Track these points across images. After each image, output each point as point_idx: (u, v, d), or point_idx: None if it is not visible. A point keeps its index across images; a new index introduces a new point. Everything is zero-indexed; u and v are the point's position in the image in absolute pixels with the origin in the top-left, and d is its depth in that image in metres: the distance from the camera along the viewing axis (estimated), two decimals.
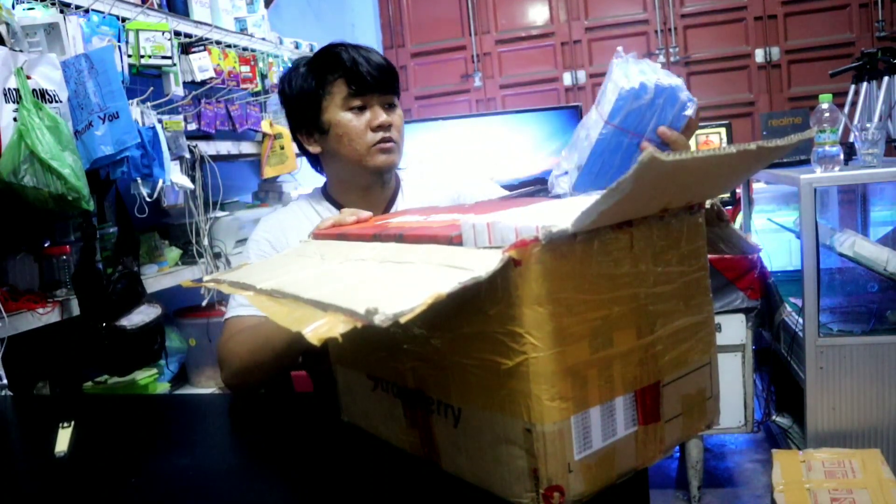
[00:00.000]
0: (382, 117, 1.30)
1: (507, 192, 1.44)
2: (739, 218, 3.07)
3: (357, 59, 1.28)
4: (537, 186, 1.18)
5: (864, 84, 2.79)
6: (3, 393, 1.48)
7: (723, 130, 2.88)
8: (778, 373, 2.65)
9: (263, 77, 2.64)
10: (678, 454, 2.63)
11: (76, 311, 1.68)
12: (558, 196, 1.07)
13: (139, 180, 1.83)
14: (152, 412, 1.25)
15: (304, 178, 2.92)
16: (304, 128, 1.36)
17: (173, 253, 2.19)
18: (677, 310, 0.71)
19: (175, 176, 1.99)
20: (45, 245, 1.74)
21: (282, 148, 2.76)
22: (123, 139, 1.70)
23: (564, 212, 0.64)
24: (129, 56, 1.92)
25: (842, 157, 2.17)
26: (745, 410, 2.40)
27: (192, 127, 2.26)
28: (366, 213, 1.03)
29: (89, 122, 1.67)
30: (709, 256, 0.77)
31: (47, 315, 1.61)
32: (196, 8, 2.28)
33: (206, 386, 2.23)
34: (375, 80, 1.29)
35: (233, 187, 2.66)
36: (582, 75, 4.16)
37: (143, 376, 1.89)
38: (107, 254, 1.85)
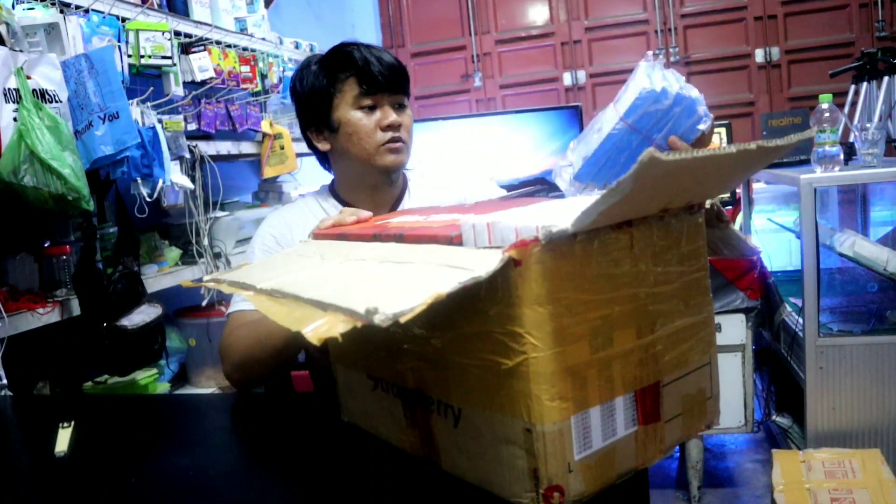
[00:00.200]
0: (392, 117, 1.31)
1: (506, 193, 1.44)
2: (739, 218, 3.07)
3: (369, 59, 1.29)
4: (537, 186, 1.19)
5: (864, 84, 2.79)
6: (3, 393, 1.48)
7: (723, 130, 2.89)
8: (778, 373, 2.65)
9: (263, 77, 2.64)
10: (678, 454, 2.63)
11: (76, 311, 1.68)
12: (558, 193, 1.07)
13: (139, 180, 1.83)
14: (152, 412, 1.25)
15: (304, 178, 2.92)
16: (314, 125, 1.37)
17: (173, 253, 2.19)
18: (677, 310, 0.71)
19: (175, 176, 1.99)
20: (45, 245, 1.74)
21: (282, 148, 2.76)
22: (123, 139, 1.70)
23: (564, 212, 0.64)
24: (129, 56, 1.92)
25: (842, 157, 2.17)
26: (745, 410, 2.40)
27: (192, 127, 2.26)
28: (366, 213, 1.04)
29: (89, 122, 1.67)
30: (709, 256, 0.77)
31: (47, 315, 1.61)
32: (196, 8, 2.28)
33: (206, 386, 2.23)
34: (386, 80, 1.30)
35: (233, 187, 2.66)
36: (582, 75, 4.16)
37: (143, 376, 1.89)
38: (107, 254, 1.85)
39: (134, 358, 1.77)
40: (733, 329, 2.37)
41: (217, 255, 2.28)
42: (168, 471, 0.90)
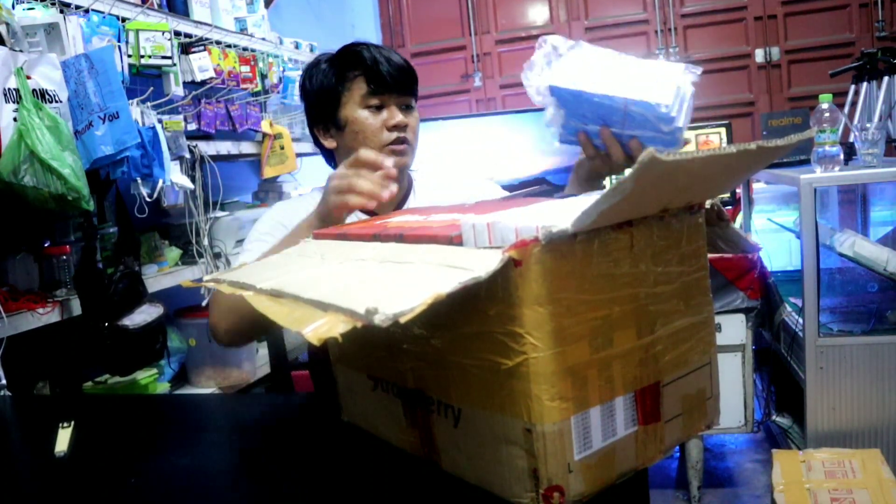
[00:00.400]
0: (398, 118, 1.31)
1: (507, 194, 1.45)
2: (739, 218, 3.07)
3: (378, 59, 1.30)
4: (542, 186, 1.18)
5: (864, 84, 2.78)
6: (3, 393, 1.48)
7: (723, 130, 2.88)
8: (778, 373, 2.64)
9: (263, 77, 2.64)
10: (678, 454, 2.63)
11: (76, 311, 1.68)
12: (562, 195, 1.06)
13: (139, 180, 1.83)
14: (152, 412, 1.25)
15: (304, 178, 2.92)
16: (322, 123, 1.38)
17: (173, 253, 2.19)
18: (677, 310, 0.71)
19: (175, 176, 1.99)
20: (45, 245, 1.74)
21: (282, 148, 2.76)
22: (123, 139, 1.70)
23: (564, 212, 0.64)
24: (129, 56, 1.92)
25: (842, 157, 2.17)
26: (745, 410, 2.40)
27: (192, 127, 2.26)
28: (384, 158, 1.07)
29: (89, 122, 1.67)
30: (709, 256, 0.77)
31: (47, 315, 1.61)
32: (196, 8, 2.28)
33: (206, 386, 2.23)
34: (394, 80, 1.31)
35: (233, 187, 2.66)
36: None
37: (143, 376, 1.89)
38: (107, 254, 1.85)
39: (135, 357, 1.77)
40: (733, 329, 2.37)
41: (217, 255, 2.28)
42: (168, 471, 0.90)
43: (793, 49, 3.91)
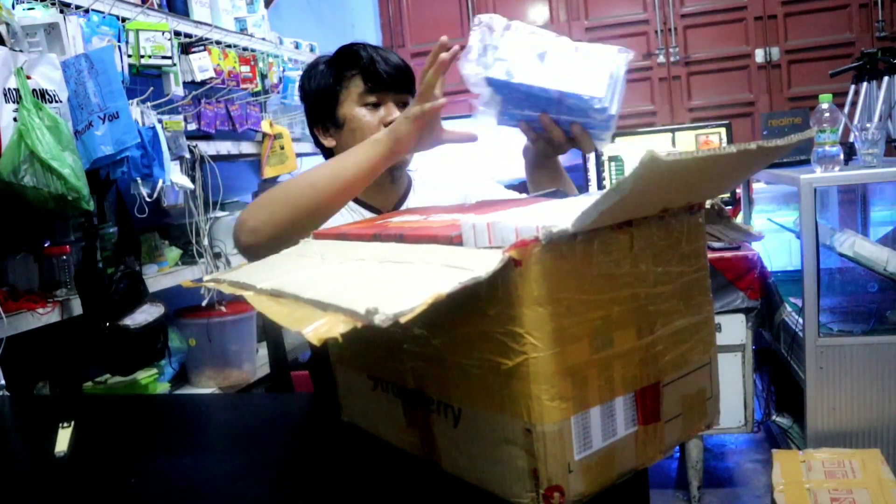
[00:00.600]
0: (395, 114, 1.32)
1: (510, 192, 1.45)
2: (739, 218, 3.07)
3: (375, 58, 1.32)
4: (557, 189, 1.18)
5: (864, 84, 2.78)
6: (2, 393, 1.48)
7: (723, 130, 2.88)
8: (778, 373, 2.64)
9: (263, 77, 2.64)
10: (678, 454, 2.63)
11: (76, 311, 1.68)
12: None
13: (139, 180, 1.83)
14: (152, 412, 1.25)
15: None
16: (321, 122, 1.40)
17: (173, 253, 2.19)
18: (677, 310, 0.71)
19: (175, 176, 1.99)
20: (45, 245, 1.74)
21: (282, 148, 2.76)
22: (123, 139, 1.70)
23: (564, 212, 0.64)
24: (129, 56, 1.92)
25: (842, 157, 2.17)
26: (745, 410, 2.40)
27: (192, 127, 2.26)
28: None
29: (89, 122, 1.67)
30: (709, 256, 0.77)
31: (47, 315, 1.61)
32: (196, 8, 2.28)
33: (206, 386, 2.23)
34: (391, 78, 1.33)
35: (233, 187, 2.66)
36: None
37: (143, 376, 1.89)
38: (107, 254, 1.85)
39: (137, 357, 1.77)
40: (733, 329, 2.37)
41: (217, 255, 2.28)
42: (168, 471, 0.90)
43: (793, 49, 3.91)
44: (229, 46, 2.43)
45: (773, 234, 2.94)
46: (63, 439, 0.98)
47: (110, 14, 1.87)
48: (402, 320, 0.53)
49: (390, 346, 0.77)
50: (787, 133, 2.28)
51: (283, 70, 2.80)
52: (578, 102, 0.98)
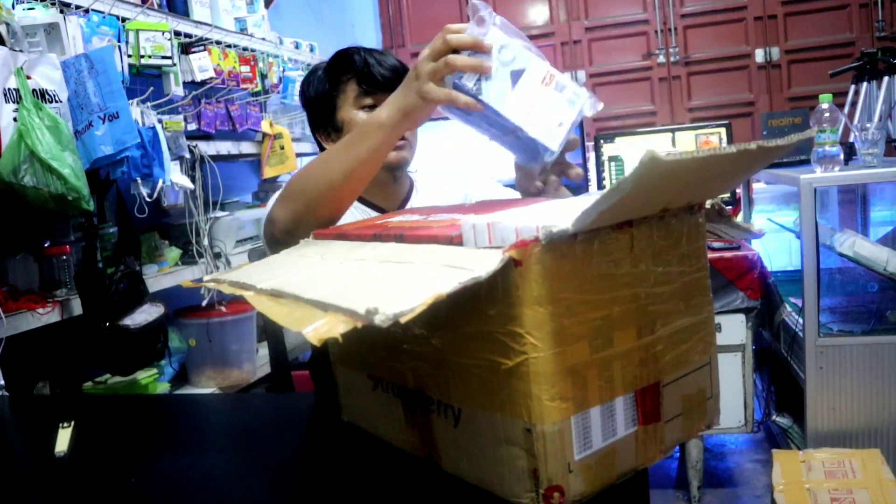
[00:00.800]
0: None
1: (511, 192, 1.45)
2: (739, 218, 3.07)
3: (368, 60, 1.33)
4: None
5: (864, 84, 2.78)
6: (2, 393, 1.48)
7: (723, 130, 2.88)
8: (778, 373, 2.64)
9: (263, 77, 2.64)
10: (678, 454, 2.63)
11: (76, 311, 1.68)
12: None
13: (139, 180, 1.83)
14: (152, 412, 1.25)
15: None
16: (322, 127, 1.41)
17: (173, 253, 2.19)
18: (677, 310, 0.71)
19: (175, 176, 1.99)
20: (45, 245, 1.74)
21: (282, 148, 2.76)
22: (123, 139, 1.70)
23: (564, 212, 0.64)
24: (129, 56, 1.92)
25: (842, 157, 2.17)
26: (745, 410, 2.40)
27: (192, 127, 2.26)
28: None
29: (89, 122, 1.67)
30: (709, 256, 0.77)
31: (47, 315, 1.61)
32: (196, 8, 2.28)
33: (206, 386, 2.23)
34: (386, 80, 1.33)
35: (233, 187, 2.66)
36: (582, 75, 4.16)
37: (143, 376, 1.89)
38: (107, 254, 1.85)
39: (137, 357, 1.77)
40: (733, 329, 2.37)
41: (217, 255, 2.28)
42: (168, 471, 0.90)
43: (793, 49, 3.91)
44: (229, 46, 2.43)
45: (773, 234, 2.94)
46: (63, 439, 0.98)
47: (110, 14, 1.87)
48: (403, 320, 0.53)
49: (390, 346, 0.77)
50: (787, 133, 2.28)
51: (283, 70, 2.80)
52: (530, 143, 0.93)
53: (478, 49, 0.91)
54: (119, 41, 1.88)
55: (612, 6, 4.13)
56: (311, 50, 3.16)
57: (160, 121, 1.95)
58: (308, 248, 0.92)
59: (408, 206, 1.43)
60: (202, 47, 2.21)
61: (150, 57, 1.95)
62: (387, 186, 1.40)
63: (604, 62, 4.14)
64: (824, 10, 3.84)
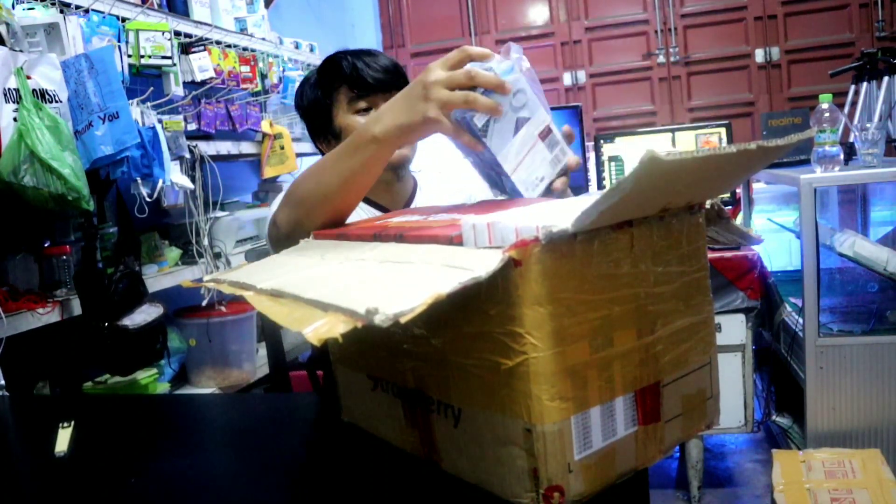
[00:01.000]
0: None
1: None
2: (739, 218, 3.07)
3: (357, 65, 1.32)
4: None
5: (864, 84, 2.79)
6: (2, 393, 1.48)
7: (723, 130, 2.88)
8: (778, 373, 2.65)
9: (263, 77, 2.64)
10: (678, 454, 2.63)
11: (76, 311, 1.68)
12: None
13: (139, 180, 1.83)
14: (152, 412, 1.25)
15: None
16: (321, 135, 1.41)
17: (173, 253, 2.19)
18: (677, 310, 0.71)
19: (175, 176, 1.99)
20: (45, 245, 1.74)
21: (282, 148, 2.76)
22: (123, 139, 1.70)
23: (564, 212, 0.64)
24: (129, 56, 1.92)
25: (842, 157, 2.17)
26: (745, 410, 2.40)
27: (192, 127, 2.26)
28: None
29: (89, 122, 1.67)
30: (709, 256, 0.77)
31: (47, 315, 1.61)
32: (196, 8, 2.28)
33: (206, 386, 2.23)
34: (377, 82, 1.32)
35: (233, 187, 2.66)
36: (582, 75, 4.16)
37: (143, 376, 1.89)
38: (107, 254, 1.85)
39: (136, 357, 1.77)
40: (733, 329, 2.37)
41: (217, 255, 2.28)
42: (168, 471, 0.90)
43: (793, 49, 3.91)
44: (229, 46, 2.43)
45: (773, 234, 2.95)
46: (63, 439, 0.98)
47: (110, 14, 1.87)
48: (403, 320, 0.53)
49: (390, 346, 0.77)
50: (787, 133, 2.27)
51: (283, 70, 2.81)
52: (509, 185, 0.92)
53: (497, 91, 0.86)
54: (119, 41, 1.88)
55: (612, 6, 4.13)
56: (311, 50, 3.16)
57: (160, 121, 1.95)
58: (308, 248, 0.92)
59: (413, 205, 1.44)
60: (202, 47, 2.21)
61: (150, 57, 1.95)
62: (391, 186, 1.40)
63: (604, 62, 4.14)
64: (824, 10, 3.84)
